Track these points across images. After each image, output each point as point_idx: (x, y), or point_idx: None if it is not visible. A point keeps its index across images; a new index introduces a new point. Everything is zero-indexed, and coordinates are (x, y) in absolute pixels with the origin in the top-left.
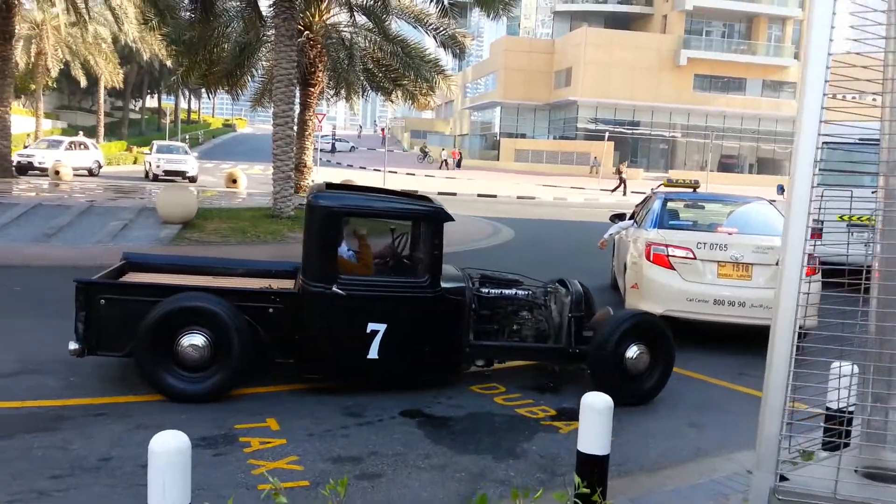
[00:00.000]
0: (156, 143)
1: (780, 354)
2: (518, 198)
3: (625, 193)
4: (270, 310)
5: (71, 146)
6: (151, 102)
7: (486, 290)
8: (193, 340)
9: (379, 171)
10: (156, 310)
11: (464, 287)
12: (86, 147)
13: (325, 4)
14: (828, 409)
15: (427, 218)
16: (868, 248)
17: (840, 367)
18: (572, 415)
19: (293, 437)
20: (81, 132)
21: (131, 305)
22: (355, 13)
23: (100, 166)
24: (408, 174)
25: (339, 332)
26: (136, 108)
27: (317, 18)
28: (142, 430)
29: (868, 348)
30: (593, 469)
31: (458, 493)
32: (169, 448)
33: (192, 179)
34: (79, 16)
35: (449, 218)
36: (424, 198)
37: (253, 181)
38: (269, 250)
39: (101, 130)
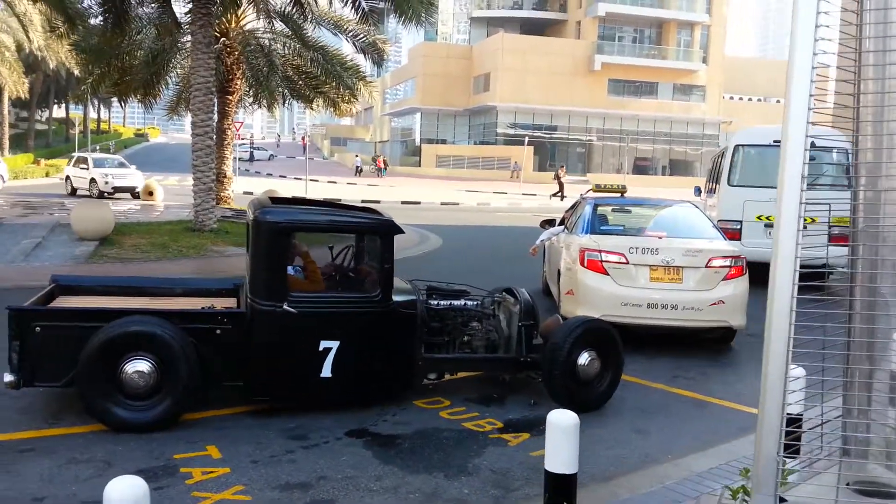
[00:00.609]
0: (89, 156)
1: (775, 373)
2: (442, 204)
3: (552, 196)
4: (218, 331)
5: None
6: (59, 112)
7: (436, 302)
8: (138, 367)
9: (300, 179)
10: (97, 336)
11: (415, 300)
12: None
13: (241, 10)
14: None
15: (377, 231)
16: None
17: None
18: (519, 426)
19: (237, 465)
20: None
21: (69, 332)
22: (273, 19)
23: (3, 181)
24: (329, 182)
25: (291, 351)
26: (43, 119)
27: (233, 25)
28: (73, 466)
29: (853, 364)
30: (562, 488)
31: None
32: (125, 496)
33: (138, 195)
34: None
35: (399, 230)
36: (372, 210)
37: (169, 192)
38: (192, 265)
39: (6, 143)
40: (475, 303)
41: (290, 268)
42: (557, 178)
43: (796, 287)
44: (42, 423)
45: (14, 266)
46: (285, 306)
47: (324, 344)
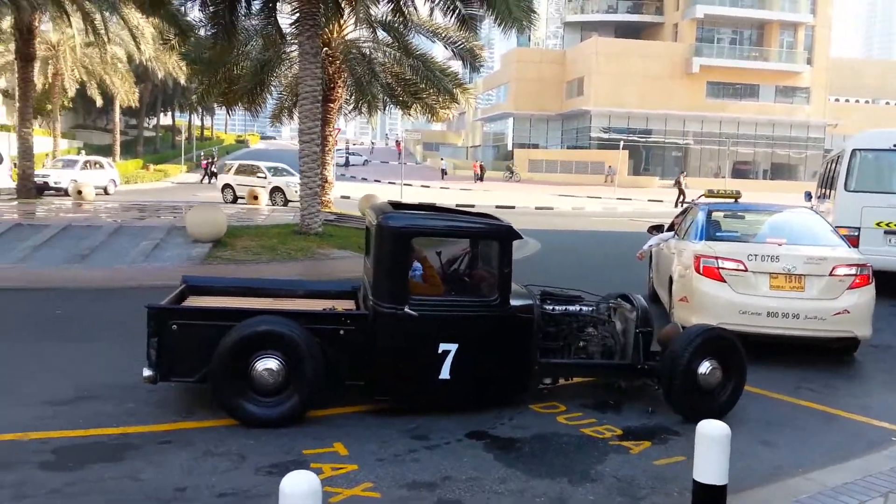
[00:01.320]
0: (262, 164)
1: None
2: (536, 208)
3: (677, 204)
4: (341, 332)
5: (86, 165)
6: (164, 119)
7: (552, 307)
8: (268, 364)
9: (394, 183)
10: (230, 334)
11: (532, 304)
12: (101, 166)
13: (343, 20)
14: None
15: (496, 236)
16: None
17: None
18: (639, 434)
19: (363, 463)
20: (83, 151)
21: (204, 330)
22: (375, 29)
23: (115, 185)
24: (422, 186)
25: (411, 353)
26: (150, 126)
27: (335, 35)
28: (210, 458)
29: None
30: (712, 499)
31: None
32: (302, 490)
33: None
34: (97, 36)
35: (518, 235)
36: (488, 216)
37: None
38: (300, 267)
39: (118, 149)
40: (590, 308)
41: (413, 271)
42: (678, 184)
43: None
44: (176, 417)
45: (136, 266)
46: (406, 309)
47: (443, 346)
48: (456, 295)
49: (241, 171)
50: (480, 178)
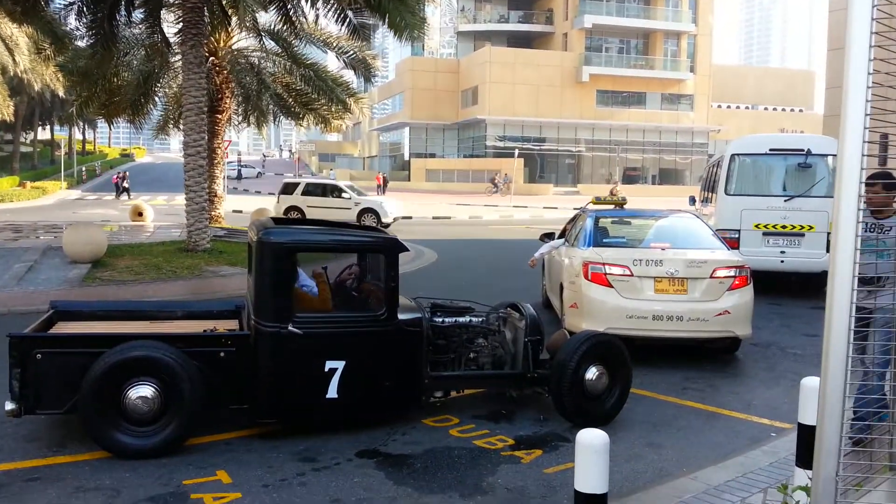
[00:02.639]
0: (340, 183)
1: (834, 393)
2: (434, 218)
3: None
4: (222, 354)
5: None
6: (43, 134)
7: (441, 320)
8: (142, 392)
9: None
10: (100, 362)
11: (420, 317)
12: None
13: (230, 29)
14: (800, 424)
15: (381, 249)
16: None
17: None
18: (531, 443)
19: (248, 490)
20: None
21: (71, 359)
22: (263, 37)
23: None
24: None
25: (297, 372)
26: (27, 141)
27: (222, 44)
28: (82, 494)
29: None
30: None
31: None
32: None
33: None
34: None
35: (403, 248)
36: (374, 229)
37: (158, 213)
38: (188, 286)
39: None
40: (480, 319)
41: (298, 287)
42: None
43: (854, 306)
44: (47, 451)
45: (7, 291)
46: (290, 327)
47: (329, 364)
48: (342, 310)
49: (310, 191)
50: (383, 190)
